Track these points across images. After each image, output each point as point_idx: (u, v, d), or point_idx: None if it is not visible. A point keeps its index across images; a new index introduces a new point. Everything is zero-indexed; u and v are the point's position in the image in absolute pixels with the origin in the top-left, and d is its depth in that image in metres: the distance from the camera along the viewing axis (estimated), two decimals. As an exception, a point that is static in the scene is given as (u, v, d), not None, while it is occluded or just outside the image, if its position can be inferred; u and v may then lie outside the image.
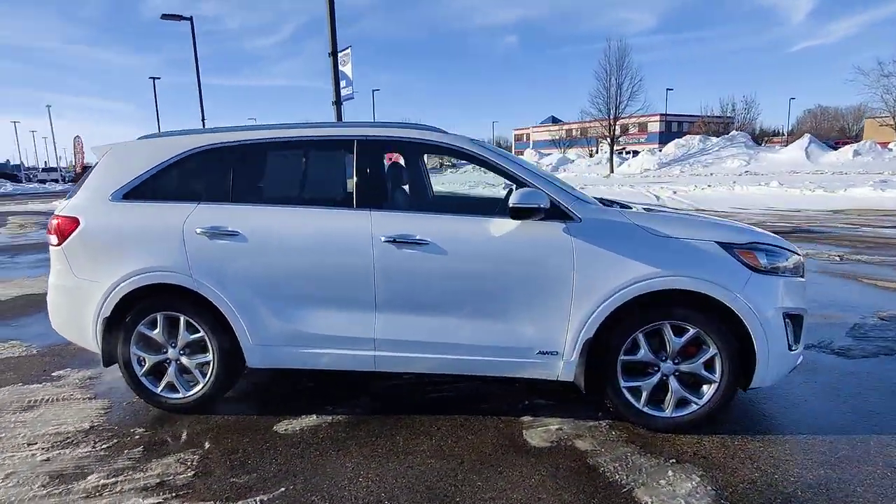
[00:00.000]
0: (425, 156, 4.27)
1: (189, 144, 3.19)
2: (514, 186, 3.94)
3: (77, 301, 3.13)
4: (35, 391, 3.48)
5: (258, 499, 2.30)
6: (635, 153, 41.09)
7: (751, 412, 3.02)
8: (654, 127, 65.27)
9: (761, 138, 53.97)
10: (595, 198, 3.79)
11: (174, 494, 2.34)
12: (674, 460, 2.53)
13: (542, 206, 2.67)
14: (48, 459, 2.66)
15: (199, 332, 3.06)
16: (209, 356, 3.07)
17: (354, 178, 2.98)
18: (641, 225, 2.75)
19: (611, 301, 2.69)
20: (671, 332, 2.72)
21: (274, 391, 3.47)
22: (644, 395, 2.79)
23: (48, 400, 3.35)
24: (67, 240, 3.14)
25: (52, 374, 3.77)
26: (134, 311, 3.08)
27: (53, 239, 3.18)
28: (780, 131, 66.38)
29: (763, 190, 17.52)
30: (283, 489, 2.37)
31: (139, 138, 3.39)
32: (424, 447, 2.71)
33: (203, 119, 27.01)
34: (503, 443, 2.73)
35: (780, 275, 2.75)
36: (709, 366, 2.74)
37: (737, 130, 40.32)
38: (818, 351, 3.91)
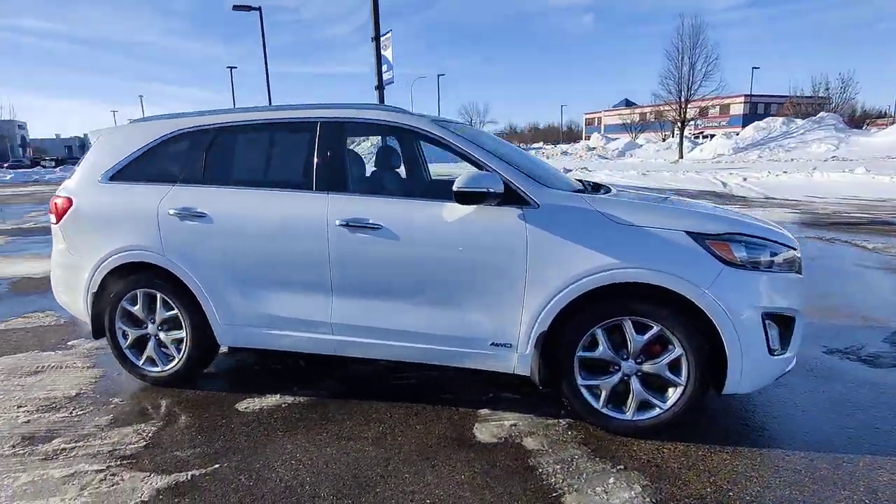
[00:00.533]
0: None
1: (169, 128, 3.29)
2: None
3: (72, 276, 3.34)
4: (46, 358, 3.77)
5: (191, 473, 2.37)
6: (710, 137, 38.51)
7: (733, 420, 2.75)
8: (738, 109, 61.06)
9: (862, 120, 49.00)
10: (582, 181, 3.60)
11: (118, 463, 2.45)
12: (622, 467, 2.35)
13: (492, 190, 2.52)
14: (28, 422, 2.86)
15: (173, 309, 3.17)
16: (183, 333, 3.18)
17: (315, 161, 2.95)
18: (603, 212, 2.54)
19: (565, 293, 2.51)
20: (632, 328, 2.50)
21: (254, 369, 3.55)
22: (603, 394, 2.60)
23: (54, 366, 3.61)
24: (63, 219, 3.34)
25: (68, 343, 4.07)
26: (118, 287, 3.24)
27: (53, 218, 3.40)
28: (888, 112, 60.00)
29: (846, 177, 15.89)
30: (216, 466, 2.42)
31: (129, 122, 3.54)
32: (369, 434, 2.67)
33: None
34: (450, 435, 2.65)
35: (763, 270, 2.46)
36: (674, 367, 2.50)
37: (832, 111, 36.78)
38: (842, 357, 3.49)
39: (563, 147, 46.91)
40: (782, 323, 2.50)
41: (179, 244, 3.07)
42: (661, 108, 33.70)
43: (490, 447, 2.53)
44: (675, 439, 2.55)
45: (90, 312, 3.30)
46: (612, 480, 2.25)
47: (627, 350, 2.54)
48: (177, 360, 3.23)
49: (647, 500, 2.12)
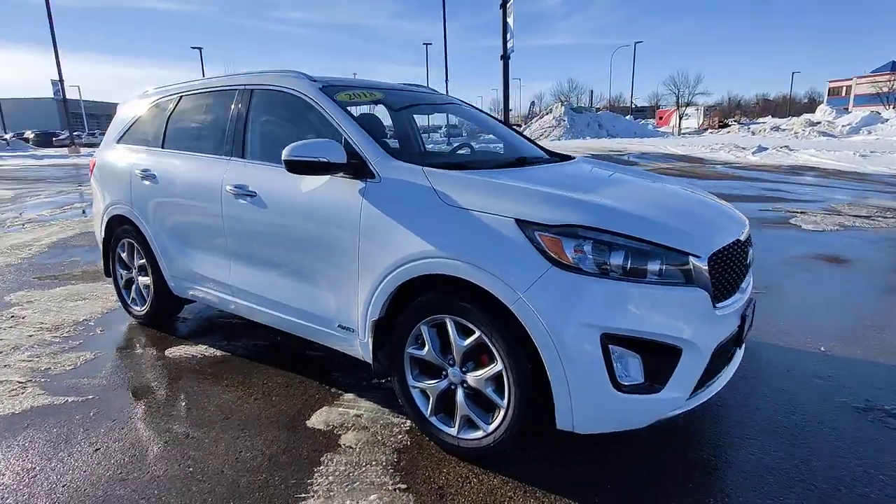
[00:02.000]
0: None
1: (156, 96, 3.68)
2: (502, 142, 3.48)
3: (98, 224, 4.00)
4: (99, 289, 4.59)
5: (67, 399, 2.71)
6: None
7: (588, 468, 2.13)
8: None
9: None
10: (548, 151, 3.18)
11: (37, 380, 2.92)
12: (403, 487, 2.01)
13: (323, 159, 2.29)
14: (31, 336, 3.56)
15: (143, 258, 3.60)
16: (149, 279, 3.60)
17: (227, 127, 3.03)
18: (437, 189, 2.14)
19: (389, 279, 2.20)
20: (455, 330, 2.10)
21: (219, 320, 3.85)
22: (431, 401, 2.24)
23: (95, 297, 4.39)
24: (93, 174, 4.00)
25: (129, 279, 4.89)
26: (114, 235, 3.79)
27: (90, 174, 4.09)
28: None
29: None
30: (91, 397, 2.73)
31: (143, 92, 4.04)
32: (229, 396, 2.73)
33: (446, 80, 29.36)
34: (288, 413, 2.56)
35: (616, 278, 1.82)
36: (498, 385, 2.04)
37: None
38: (879, 420, 2.43)
39: (778, 122, 39.33)
40: (651, 352, 1.84)
41: (140, 200, 3.45)
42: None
43: (307, 433, 2.39)
44: (497, 470, 2.09)
45: (102, 255, 3.94)
46: (372, 498, 1.95)
47: (453, 355, 2.14)
48: (147, 304, 3.67)
49: (382, 529, 1.80)
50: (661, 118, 68.42)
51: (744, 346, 2.42)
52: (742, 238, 2.19)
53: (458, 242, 2.01)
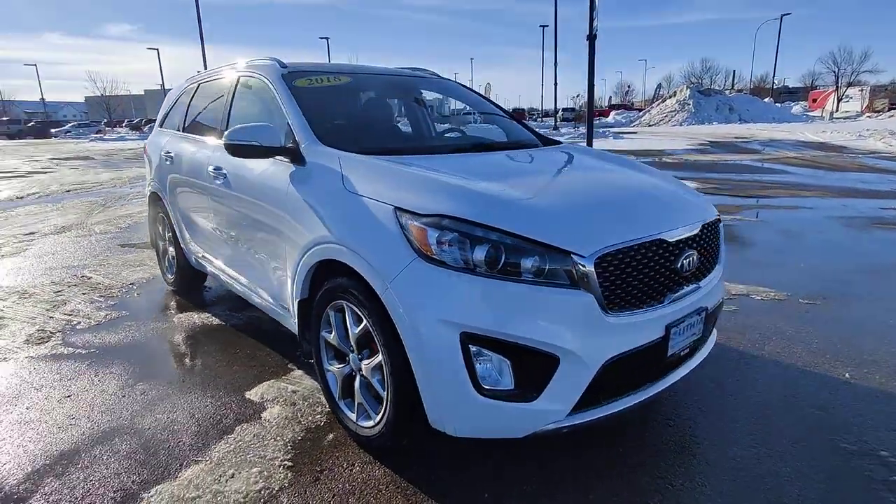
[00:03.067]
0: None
1: (186, 84, 4.02)
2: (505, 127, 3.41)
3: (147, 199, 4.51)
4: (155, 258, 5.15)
5: (73, 351, 3.11)
6: None
7: (481, 482, 2.00)
8: None
9: None
10: (541, 136, 3.02)
11: (61, 331, 3.38)
12: (289, 464, 2.05)
13: (256, 143, 2.36)
14: (84, 294, 4.12)
15: (170, 231, 3.99)
16: (174, 251, 3.99)
17: (221, 112, 3.23)
18: (345, 175, 2.12)
19: (304, 262, 2.23)
20: (351, 316, 2.08)
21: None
22: (339, 384, 2.25)
23: (152, 264, 4.91)
24: (145, 155, 4.50)
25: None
26: (153, 209, 4.24)
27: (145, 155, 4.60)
28: None
29: None
30: (93, 351, 3.11)
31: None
32: (195, 362, 2.95)
33: (555, 63, 28.36)
34: (236, 382, 2.71)
35: (484, 274, 1.68)
36: (382, 375, 1.99)
37: None
38: (848, 459, 1.99)
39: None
40: (522, 357, 1.69)
41: (165, 179, 3.82)
42: None
43: (240, 403, 2.51)
44: (383, 462, 2.05)
45: (148, 227, 4.44)
46: (254, 471, 2.01)
47: (350, 341, 2.12)
48: (174, 272, 4.07)
49: (261, 499, 1.86)
50: (814, 101, 60.43)
51: (691, 363, 2.12)
52: (671, 239, 1.89)
53: (347, 228, 1.99)
